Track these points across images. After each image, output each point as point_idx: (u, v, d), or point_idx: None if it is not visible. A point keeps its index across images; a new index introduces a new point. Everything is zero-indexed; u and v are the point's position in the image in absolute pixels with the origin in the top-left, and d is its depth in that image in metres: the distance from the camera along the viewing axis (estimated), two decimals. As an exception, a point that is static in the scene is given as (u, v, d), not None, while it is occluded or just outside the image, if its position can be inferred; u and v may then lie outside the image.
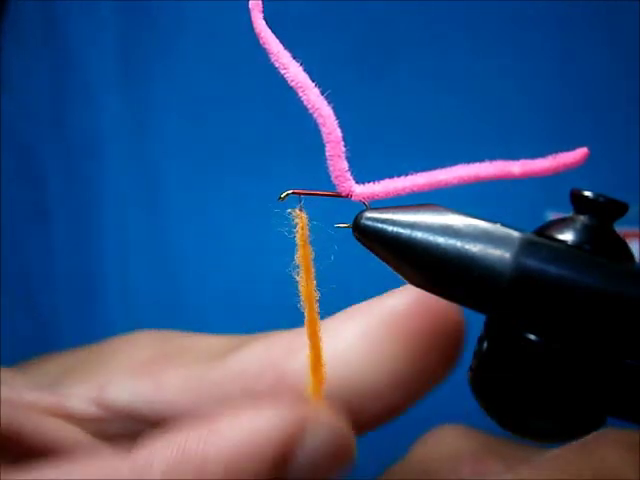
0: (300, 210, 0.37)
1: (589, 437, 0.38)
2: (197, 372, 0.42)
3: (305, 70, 0.36)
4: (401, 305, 0.39)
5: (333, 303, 0.39)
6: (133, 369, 0.43)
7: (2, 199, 0.66)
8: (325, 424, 0.35)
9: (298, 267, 0.37)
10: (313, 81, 0.36)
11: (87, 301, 0.65)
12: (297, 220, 0.37)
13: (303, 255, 0.37)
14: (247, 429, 0.33)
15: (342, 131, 0.36)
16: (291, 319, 0.40)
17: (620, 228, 0.36)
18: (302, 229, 0.37)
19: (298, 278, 0.37)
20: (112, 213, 0.65)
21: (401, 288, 0.39)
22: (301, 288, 0.37)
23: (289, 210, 0.37)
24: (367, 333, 0.40)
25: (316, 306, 0.38)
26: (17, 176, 0.67)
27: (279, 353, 0.41)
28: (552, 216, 0.37)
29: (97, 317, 0.64)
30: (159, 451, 0.33)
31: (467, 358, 0.37)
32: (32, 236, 0.66)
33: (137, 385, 0.42)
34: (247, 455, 0.33)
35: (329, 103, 0.36)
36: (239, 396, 0.40)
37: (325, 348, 0.38)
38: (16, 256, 0.66)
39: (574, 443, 0.41)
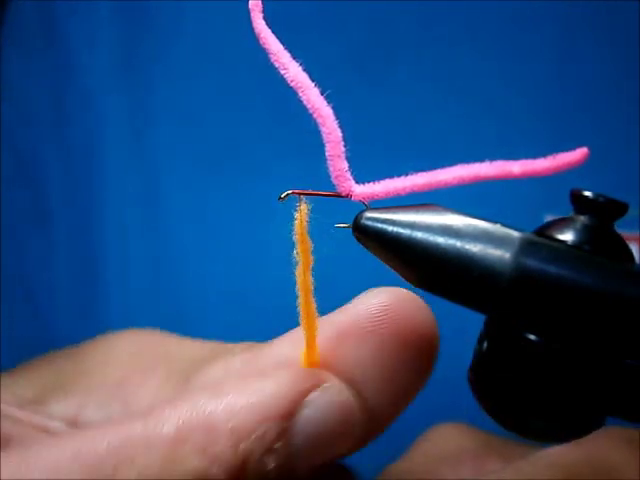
0: (300, 202, 0.37)
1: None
2: (165, 394, 0.42)
3: (305, 70, 0.36)
4: (374, 308, 0.38)
5: (333, 303, 0.39)
6: (108, 388, 0.43)
7: (3, 202, 0.66)
8: (330, 388, 0.36)
9: (297, 259, 0.37)
10: (313, 81, 0.36)
11: (87, 302, 0.65)
12: (296, 213, 0.37)
13: (301, 247, 0.37)
14: (253, 391, 0.35)
15: (342, 131, 0.36)
16: (292, 319, 0.40)
17: (620, 231, 0.36)
18: (301, 219, 0.37)
19: (296, 270, 0.37)
20: (113, 215, 0.65)
21: (373, 291, 0.39)
22: (298, 278, 0.37)
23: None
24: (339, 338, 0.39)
25: (312, 299, 0.38)
26: (18, 179, 0.67)
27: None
28: (550, 219, 0.37)
29: (97, 318, 0.64)
30: (169, 413, 0.35)
31: (467, 358, 0.37)
32: (33, 238, 0.66)
33: (109, 408, 0.43)
34: (253, 414, 0.35)
35: (329, 103, 0.36)
36: None
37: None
38: (17, 258, 0.66)
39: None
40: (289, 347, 0.40)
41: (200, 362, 0.42)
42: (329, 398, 0.36)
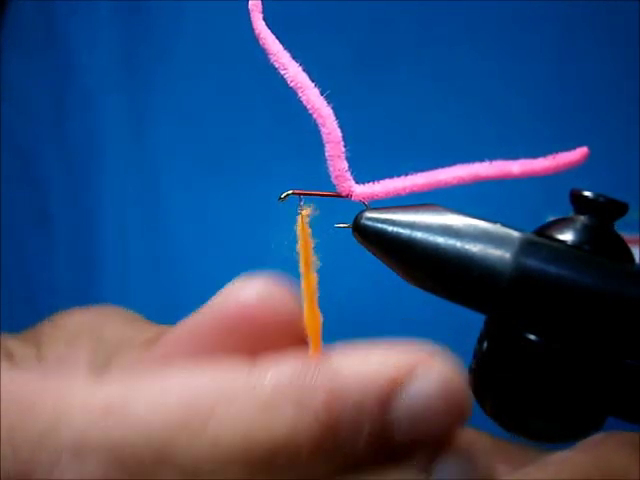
0: (301, 205, 0.37)
1: (595, 439, 0.38)
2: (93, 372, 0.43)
3: (305, 70, 0.36)
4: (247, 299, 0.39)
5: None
6: (52, 362, 0.45)
7: (3, 202, 0.66)
8: (437, 368, 0.35)
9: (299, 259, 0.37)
10: (313, 81, 0.36)
11: (88, 301, 0.65)
12: (299, 213, 0.37)
13: (303, 247, 0.37)
14: (357, 364, 0.35)
15: (342, 131, 0.36)
16: None
17: (620, 233, 0.36)
18: (302, 222, 0.37)
19: (300, 267, 0.37)
20: (112, 216, 0.65)
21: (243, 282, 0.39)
22: (302, 276, 0.37)
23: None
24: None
25: (315, 298, 0.38)
26: (18, 179, 0.67)
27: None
28: (552, 219, 0.37)
29: None
30: (273, 371, 0.35)
31: (467, 358, 0.37)
32: (33, 239, 0.66)
33: None
34: (352, 388, 0.34)
35: (329, 103, 0.36)
36: None
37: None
38: (17, 258, 0.67)
39: (580, 444, 0.41)
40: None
41: (125, 345, 0.44)
42: (437, 373, 0.35)
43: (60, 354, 0.45)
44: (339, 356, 0.35)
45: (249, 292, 0.38)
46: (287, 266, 0.37)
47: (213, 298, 0.40)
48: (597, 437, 0.39)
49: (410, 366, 0.35)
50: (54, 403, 0.36)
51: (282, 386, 0.35)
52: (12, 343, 0.47)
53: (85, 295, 0.65)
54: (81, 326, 0.47)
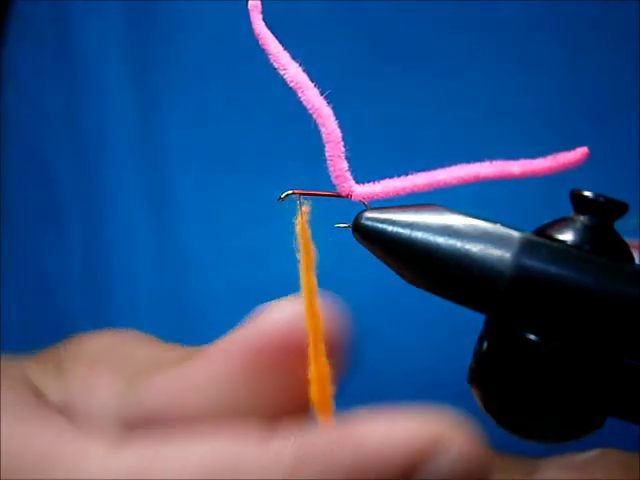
0: (300, 204, 0.37)
1: (588, 457, 0.38)
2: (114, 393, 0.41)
3: (305, 70, 0.36)
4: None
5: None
6: (76, 382, 0.43)
7: (15, 199, 0.67)
8: (461, 445, 0.33)
9: (300, 261, 0.38)
10: (313, 81, 0.36)
11: (99, 297, 0.65)
12: (298, 214, 0.37)
13: (304, 246, 0.37)
14: (380, 436, 0.33)
15: (342, 131, 0.36)
16: None
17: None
18: (302, 219, 0.37)
19: (300, 268, 0.37)
20: (122, 212, 0.65)
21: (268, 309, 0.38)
22: (302, 277, 0.37)
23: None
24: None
25: (316, 296, 0.38)
26: (29, 176, 0.67)
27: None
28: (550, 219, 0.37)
29: (109, 312, 0.65)
30: (291, 443, 0.33)
31: (467, 358, 0.37)
32: (45, 235, 0.67)
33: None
34: (373, 462, 0.33)
35: (329, 103, 0.36)
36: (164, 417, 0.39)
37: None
38: (30, 255, 0.67)
39: (572, 462, 0.41)
40: None
41: (153, 367, 0.41)
42: (459, 447, 0.33)
43: (85, 381, 0.43)
44: (361, 425, 0.33)
45: (285, 313, 0.37)
46: (292, 266, 0.38)
47: (248, 320, 0.38)
48: (591, 455, 0.39)
49: (433, 439, 0.33)
50: (70, 465, 0.35)
51: (303, 459, 0.33)
52: (36, 375, 0.45)
53: (97, 290, 0.65)
54: (103, 349, 0.45)
